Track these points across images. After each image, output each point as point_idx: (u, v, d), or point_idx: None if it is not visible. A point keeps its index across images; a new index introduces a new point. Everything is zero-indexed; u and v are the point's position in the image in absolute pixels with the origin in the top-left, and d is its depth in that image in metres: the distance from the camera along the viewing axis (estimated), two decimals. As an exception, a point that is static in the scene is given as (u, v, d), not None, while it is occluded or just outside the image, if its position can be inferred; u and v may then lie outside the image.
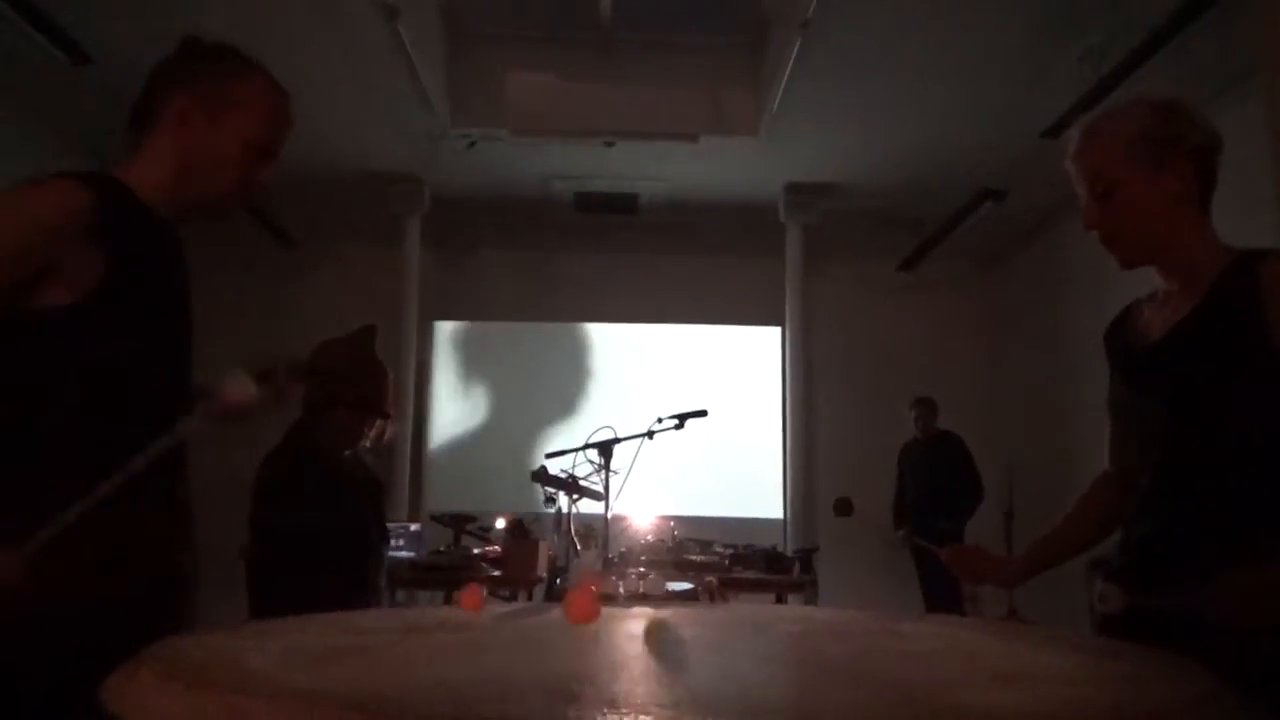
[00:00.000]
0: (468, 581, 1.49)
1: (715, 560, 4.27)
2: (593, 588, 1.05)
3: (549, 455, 3.53)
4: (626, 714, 0.70)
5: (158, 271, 1.35)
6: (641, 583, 1.94)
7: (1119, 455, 1.58)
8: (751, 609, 1.70)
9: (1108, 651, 1.10)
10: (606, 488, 3.30)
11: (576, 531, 3.60)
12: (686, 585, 2.61)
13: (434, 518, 5.43)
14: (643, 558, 3.67)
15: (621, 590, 1.94)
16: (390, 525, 4.96)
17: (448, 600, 4.65)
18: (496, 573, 4.15)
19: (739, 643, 1.18)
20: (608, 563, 3.37)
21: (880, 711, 0.78)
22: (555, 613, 1.33)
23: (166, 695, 0.80)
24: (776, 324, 7.66)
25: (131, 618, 1.20)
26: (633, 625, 1.29)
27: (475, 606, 1.39)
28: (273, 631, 1.16)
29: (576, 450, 3.39)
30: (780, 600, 4.47)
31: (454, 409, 7.83)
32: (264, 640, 1.09)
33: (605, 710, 0.72)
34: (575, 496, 3.48)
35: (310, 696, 0.75)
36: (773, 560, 4.32)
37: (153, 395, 1.31)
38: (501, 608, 1.75)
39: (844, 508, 1.77)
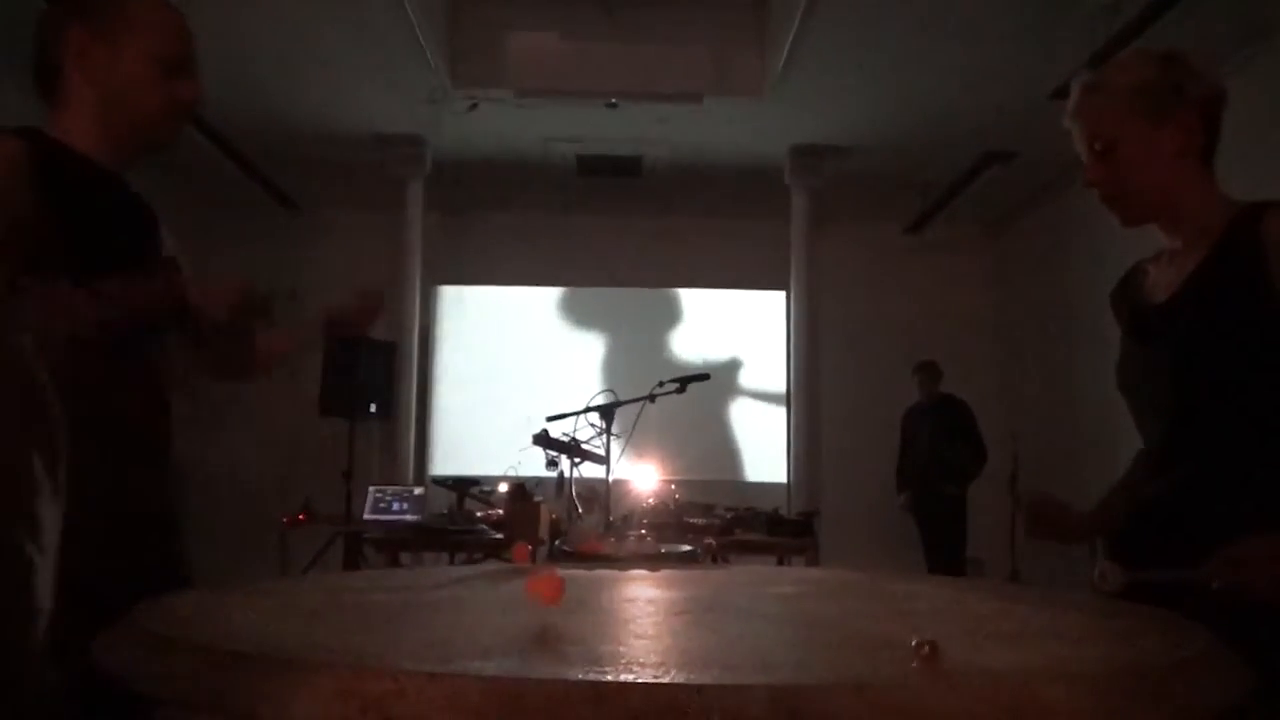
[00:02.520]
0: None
1: (717, 523, 4.28)
2: (556, 572, 1.04)
3: (550, 419, 3.52)
4: (611, 671, 0.69)
5: (100, 221, 1.33)
6: (640, 545, 1.94)
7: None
8: (748, 570, 1.70)
9: (1106, 611, 1.09)
10: (608, 451, 3.30)
11: (578, 495, 3.61)
12: (686, 548, 2.61)
13: (436, 481, 5.46)
14: (644, 521, 3.68)
15: (622, 552, 1.94)
16: (394, 488, 5.00)
17: (450, 562, 4.69)
18: (499, 536, 4.17)
19: (731, 603, 1.17)
20: (609, 526, 3.38)
21: (869, 667, 0.77)
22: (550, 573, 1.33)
23: (156, 653, 0.80)
24: (781, 288, 7.63)
25: (123, 577, 1.20)
26: (627, 587, 1.28)
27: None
28: (262, 591, 1.16)
29: (578, 414, 3.39)
30: (781, 563, 4.49)
31: (457, 373, 7.83)
32: (253, 599, 1.08)
33: (590, 667, 0.71)
34: (577, 460, 3.48)
35: (296, 653, 0.75)
36: (774, 523, 4.33)
37: (95, 351, 1.29)
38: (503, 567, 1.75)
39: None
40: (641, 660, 0.75)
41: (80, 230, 1.29)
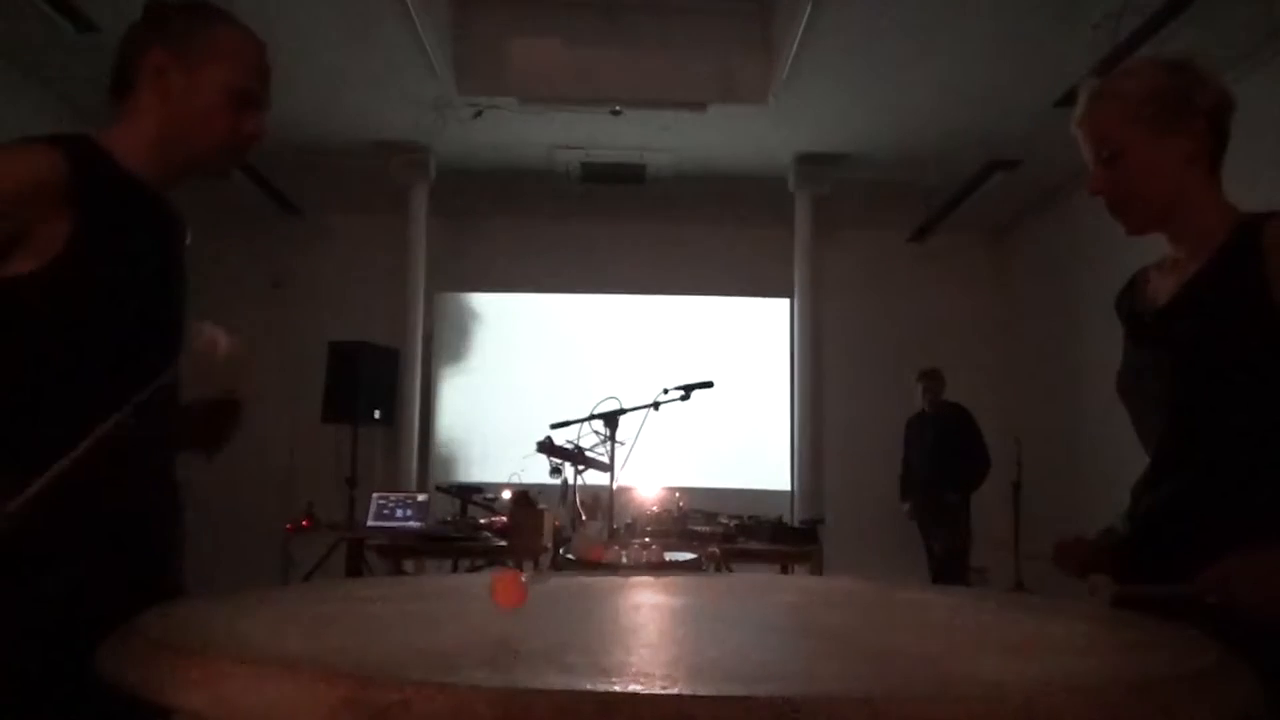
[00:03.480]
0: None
1: (721, 531, 4.27)
2: (521, 575, 1.03)
3: (554, 426, 3.52)
4: (617, 682, 0.69)
5: (128, 238, 1.32)
6: (644, 553, 1.94)
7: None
8: (752, 578, 1.69)
9: (1113, 622, 1.09)
10: (612, 458, 3.29)
11: (582, 502, 3.60)
12: (689, 555, 2.61)
13: (440, 489, 5.45)
14: (648, 529, 3.67)
15: (625, 560, 1.93)
16: (398, 495, 5.00)
17: (454, 569, 4.68)
18: (502, 543, 4.17)
19: (736, 612, 1.17)
20: (613, 533, 3.38)
21: (875, 680, 0.77)
22: (553, 582, 1.33)
23: (158, 662, 0.80)
24: (785, 295, 7.63)
25: (120, 585, 1.20)
26: (632, 595, 1.28)
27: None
28: (266, 599, 1.16)
29: (582, 421, 3.38)
30: (785, 571, 4.48)
31: (460, 380, 7.84)
32: (257, 607, 1.08)
33: (597, 678, 0.71)
34: (581, 467, 3.48)
35: (299, 663, 0.75)
36: (778, 531, 4.32)
37: (116, 365, 1.28)
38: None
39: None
40: (649, 671, 0.75)
41: (103, 247, 1.27)
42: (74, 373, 1.25)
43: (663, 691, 0.66)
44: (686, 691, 0.67)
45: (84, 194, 1.25)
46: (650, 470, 3.84)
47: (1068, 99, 5.07)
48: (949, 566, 5.90)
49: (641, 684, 0.68)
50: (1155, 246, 1.49)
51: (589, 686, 0.67)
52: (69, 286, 1.23)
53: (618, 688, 0.67)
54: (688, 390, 3.36)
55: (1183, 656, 0.83)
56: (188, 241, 1.48)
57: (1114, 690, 0.71)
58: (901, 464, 6.46)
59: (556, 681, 0.70)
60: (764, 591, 1.36)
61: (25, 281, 1.21)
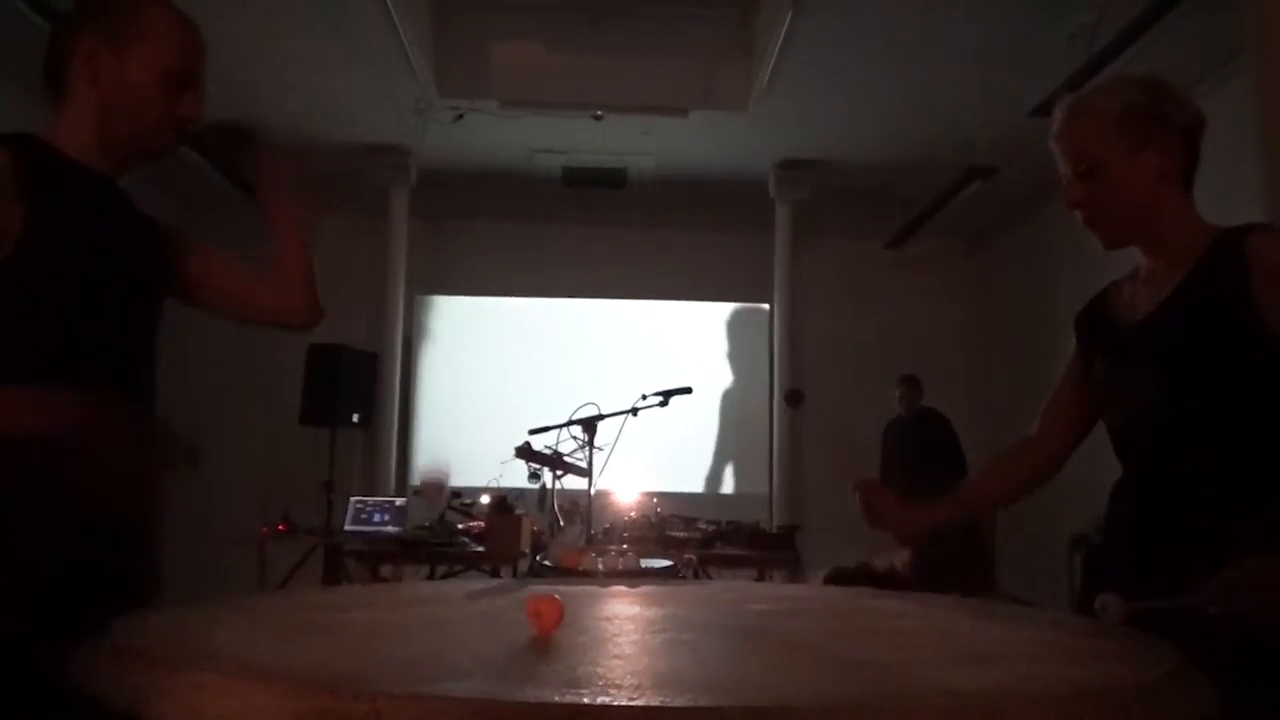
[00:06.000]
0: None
1: (698, 536, 4.29)
2: (556, 598, 1.02)
3: (533, 431, 3.52)
4: (587, 693, 0.70)
5: (82, 223, 1.33)
6: (620, 560, 1.95)
7: (1049, 423, 1.67)
8: (728, 586, 1.71)
9: (1078, 630, 1.11)
10: (590, 464, 3.30)
11: (560, 507, 3.60)
12: (666, 562, 2.62)
13: (418, 492, 5.44)
14: (625, 534, 3.68)
15: (601, 567, 1.94)
16: (375, 499, 4.98)
17: (431, 575, 4.67)
18: (480, 548, 4.16)
19: (709, 621, 1.18)
20: (591, 539, 3.38)
21: (842, 689, 0.78)
22: (527, 590, 1.33)
23: (128, 671, 0.80)
24: (764, 301, 7.66)
25: (95, 587, 1.20)
26: (606, 605, 1.29)
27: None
28: (240, 607, 1.16)
29: (560, 426, 3.38)
30: (762, 576, 4.50)
31: (439, 383, 7.81)
32: (230, 615, 1.08)
33: (567, 689, 0.72)
34: (559, 473, 3.48)
35: (271, 674, 0.75)
36: (755, 537, 4.34)
37: (80, 351, 1.31)
38: (478, 584, 1.75)
39: (795, 399, 1.68)
40: (619, 681, 0.76)
41: (65, 236, 1.29)
42: (30, 366, 1.26)
43: (631, 703, 0.67)
44: (655, 703, 0.68)
45: (30, 186, 1.26)
46: (629, 475, 3.85)
47: (1043, 108, 5.13)
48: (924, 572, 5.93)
49: (611, 695, 0.69)
50: (1130, 254, 1.51)
51: (558, 699, 0.68)
52: (23, 280, 1.25)
53: (587, 699, 0.68)
54: (667, 396, 3.37)
55: (1142, 664, 0.85)
56: (173, 236, 1.49)
57: (1074, 699, 0.73)
58: (879, 469, 6.49)
59: (527, 692, 0.71)
60: (737, 600, 1.37)
61: None
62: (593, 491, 3.32)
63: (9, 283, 1.25)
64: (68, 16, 1.40)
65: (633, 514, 4.11)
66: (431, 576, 4.77)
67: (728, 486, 7.64)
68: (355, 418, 6.41)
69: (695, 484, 7.37)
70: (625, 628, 1.12)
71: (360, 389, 6.54)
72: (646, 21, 6.01)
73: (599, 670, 0.82)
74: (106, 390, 1.33)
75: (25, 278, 1.25)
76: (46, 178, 1.30)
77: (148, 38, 1.38)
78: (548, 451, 3.45)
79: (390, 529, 4.59)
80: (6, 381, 1.25)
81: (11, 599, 1.17)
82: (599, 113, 6.03)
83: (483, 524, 4.25)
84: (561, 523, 3.50)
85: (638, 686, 0.74)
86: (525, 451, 3.52)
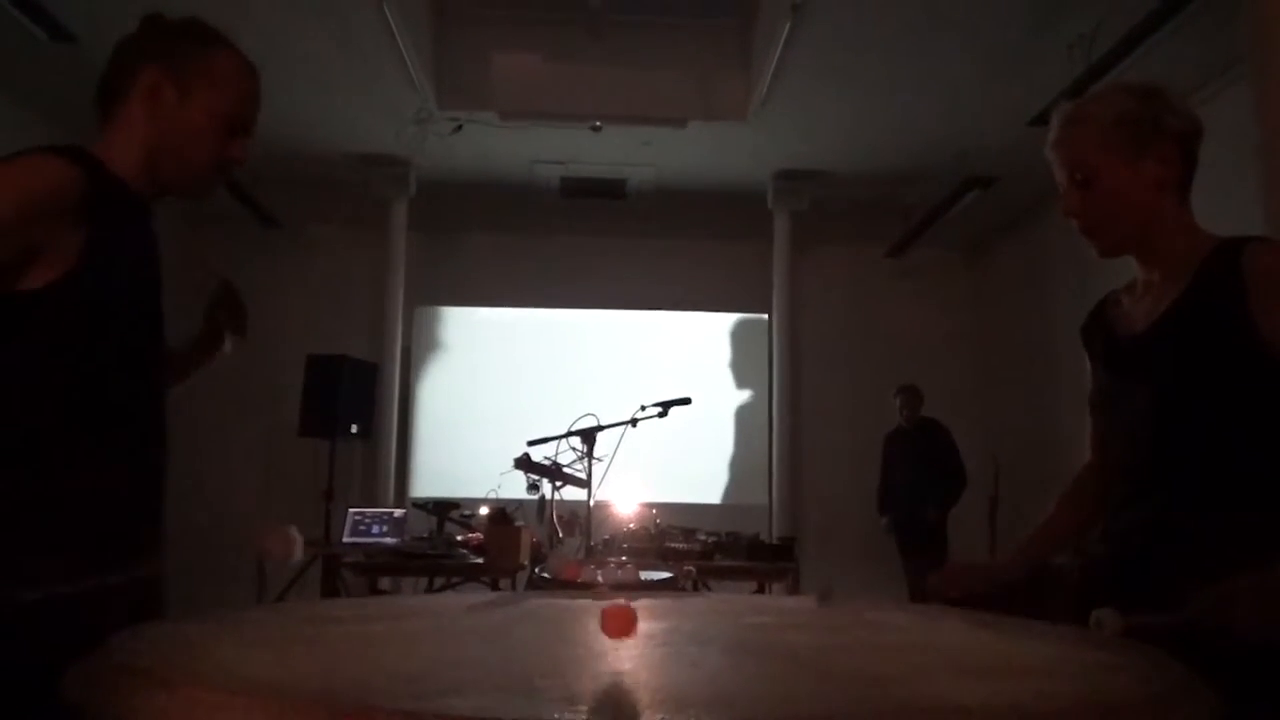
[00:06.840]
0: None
1: (697, 548, 4.27)
2: (629, 605, 1.00)
3: (532, 442, 3.51)
4: (584, 709, 0.69)
5: (134, 250, 1.34)
6: (620, 572, 1.93)
7: (1101, 448, 1.57)
8: (728, 599, 1.69)
9: (1080, 643, 1.10)
10: (590, 475, 3.29)
11: (559, 519, 3.59)
12: (665, 574, 2.60)
13: (417, 504, 5.42)
14: (625, 545, 3.67)
15: (600, 579, 1.93)
16: (374, 511, 4.96)
17: (430, 587, 4.65)
18: (479, 560, 4.15)
19: (708, 634, 1.17)
20: (590, 550, 3.37)
21: (844, 704, 0.77)
22: (528, 603, 1.32)
23: (123, 688, 0.79)
24: (763, 311, 7.66)
25: (98, 608, 1.18)
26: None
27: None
28: (239, 621, 1.15)
29: (560, 437, 3.38)
30: (762, 589, 4.48)
31: (438, 395, 7.80)
32: (229, 630, 1.07)
33: (564, 705, 0.71)
34: (558, 484, 3.47)
35: (270, 689, 0.74)
36: (754, 548, 4.32)
37: (126, 377, 1.30)
38: (478, 596, 1.74)
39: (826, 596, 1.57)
40: (617, 697, 0.75)
41: (120, 265, 1.28)
42: (83, 384, 1.25)
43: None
44: (653, 718, 0.67)
45: (97, 207, 1.25)
46: (628, 486, 3.84)
47: (1042, 118, 5.14)
48: (926, 583, 5.91)
49: (609, 711, 0.69)
50: (1129, 262, 1.50)
51: (556, 715, 0.67)
52: (83, 299, 1.23)
53: (584, 715, 0.67)
54: (666, 407, 3.36)
55: (1145, 678, 0.84)
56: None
57: (1075, 713, 0.72)
58: (880, 479, 6.48)
59: (524, 708, 0.70)
60: (736, 613, 1.36)
61: (39, 296, 1.20)
62: (592, 502, 3.31)
63: (55, 308, 1.22)
64: (135, 41, 1.39)
65: (632, 525, 4.10)
66: (430, 589, 4.76)
67: (727, 497, 7.62)
68: (354, 429, 6.40)
69: (694, 495, 7.35)
70: (625, 641, 1.11)
71: (359, 400, 6.53)
72: (646, 33, 6.03)
73: (598, 686, 0.81)
74: (149, 412, 1.33)
75: (77, 305, 1.23)
76: (109, 202, 1.28)
77: (213, 81, 1.37)
78: (547, 462, 3.44)
79: (389, 540, 4.58)
80: (58, 412, 1.23)
81: (15, 614, 1.16)
82: (598, 123, 6.05)
83: (481, 536, 4.23)
84: (561, 534, 3.49)
85: (636, 701, 0.74)
86: (524, 462, 3.52)
